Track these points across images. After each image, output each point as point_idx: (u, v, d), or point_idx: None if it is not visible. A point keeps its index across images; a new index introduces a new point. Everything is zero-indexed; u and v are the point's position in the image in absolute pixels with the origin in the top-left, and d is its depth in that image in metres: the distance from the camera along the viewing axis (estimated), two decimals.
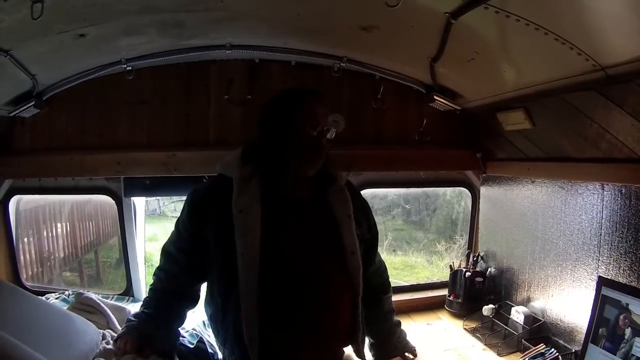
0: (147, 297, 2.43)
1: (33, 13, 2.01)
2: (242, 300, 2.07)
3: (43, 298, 3.07)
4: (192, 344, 2.65)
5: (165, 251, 2.44)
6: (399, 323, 2.65)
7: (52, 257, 6.28)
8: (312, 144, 2.19)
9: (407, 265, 9.11)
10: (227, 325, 2.20)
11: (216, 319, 2.27)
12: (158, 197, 11.59)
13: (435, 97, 3.44)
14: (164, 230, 11.66)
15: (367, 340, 2.53)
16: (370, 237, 2.51)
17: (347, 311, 2.22)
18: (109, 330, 2.50)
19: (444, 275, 4.29)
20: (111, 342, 2.30)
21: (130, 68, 3.33)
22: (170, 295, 2.38)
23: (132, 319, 2.34)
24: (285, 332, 2.14)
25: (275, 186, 2.25)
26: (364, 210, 2.52)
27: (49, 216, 6.33)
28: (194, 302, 2.44)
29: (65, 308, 2.76)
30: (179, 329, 2.53)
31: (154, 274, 2.45)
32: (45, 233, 6.25)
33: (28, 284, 3.93)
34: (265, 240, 2.09)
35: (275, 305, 2.11)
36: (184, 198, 2.46)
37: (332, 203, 2.29)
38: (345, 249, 2.21)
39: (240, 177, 2.21)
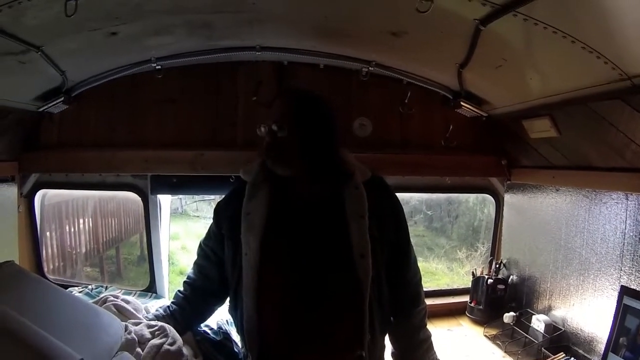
0: (179, 291, 2.55)
1: (67, 10, 2.04)
2: (243, 300, 2.12)
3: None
4: (216, 339, 2.68)
5: (199, 246, 2.52)
6: (427, 338, 2.45)
7: (74, 252, 6.35)
8: (264, 143, 2.14)
9: (428, 271, 9.06)
10: (237, 321, 2.26)
11: (233, 316, 2.32)
12: (181, 196, 11.66)
13: (462, 103, 3.44)
14: (186, 229, 11.75)
15: (391, 348, 2.47)
16: (396, 241, 2.31)
17: (350, 316, 2.12)
18: (130, 321, 2.53)
19: (464, 283, 4.30)
20: (133, 332, 2.33)
21: (159, 67, 3.37)
22: (199, 293, 2.48)
23: (163, 313, 2.49)
24: (282, 335, 2.14)
25: (285, 188, 2.23)
26: (391, 211, 2.34)
27: (72, 211, 6.40)
28: (220, 299, 2.50)
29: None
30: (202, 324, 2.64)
31: (192, 266, 2.56)
32: (67, 228, 6.32)
33: (50, 277, 4.00)
34: (265, 241, 2.10)
35: (272, 307, 2.12)
36: (207, 197, 2.52)
37: (345, 202, 2.18)
38: (353, 252, 2.08)
39: (253, 181, 2.23)
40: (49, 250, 4.86)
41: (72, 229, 6.59)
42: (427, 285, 2.63)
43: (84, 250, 6.90)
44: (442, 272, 9.25)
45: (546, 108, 2.84)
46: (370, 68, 3.46)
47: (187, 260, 9.57)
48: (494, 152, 3.82)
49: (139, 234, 8.59)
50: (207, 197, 12.70)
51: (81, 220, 6.81)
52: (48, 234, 4.67)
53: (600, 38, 2.01)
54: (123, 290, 3.47)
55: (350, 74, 3.61)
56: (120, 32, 2.62)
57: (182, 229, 11.90)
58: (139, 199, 3.82)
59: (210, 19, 2.71)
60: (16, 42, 2.33)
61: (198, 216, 13.76)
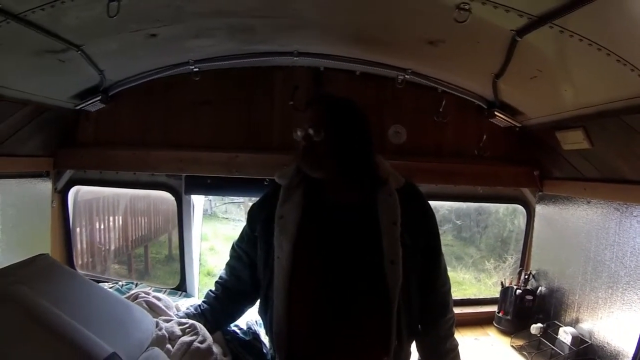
0: (211, 291, 2.59)
1: (109, 11, 2.11)
2: (274, 302, 2.15)
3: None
4: (245, 339, 2.71)
5: (232, 247, 2.55)
6: (454, 348, 2.43)
7: (104, 248, 6.45)
8: (300, 147, 2.16)
9: (455, 281, 8.84)
10: (266, 323, 2.29)
11: (262, 317, 2.34)
12: (210, 198, 11.73)
13: (496, 113, 3.44)
14: (214, 230, 11.80)
15: (417, 356, 2.46)
16: (427, 249, 2.29)
17: (378, 322, 2.12)
18: (161, 318, 2.56)
19: (491, 294, 4.30)
20: (163, 329, 2.36)
21: (197, 69, 3.44)
22: (230, 293, 2.52)
23: (194, 311, 2.54)
24: (310, 338, 2.16)
25: (319, 193, 2.25)
26: (422, 217, 2.32)
27: (103, 209, 6.54)
28: (251, 300, 2.53)
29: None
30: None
31: (224, 267, 2.60)
32: (98, 225, 6.44)
33: (80, 272, 4.05)
34: (297, 245, 2.12)
35: (302, 310, 2.14)
36: (237, 200, 2.53)
37: (378, 208, 2.17)
38: (384, 258, 2.09)
39: (287, 184, 2.25)
40: (79, 246, 4.95)
41: (102, 226, 6.72)
42: (454, 295, 2.65)
43: (113, 247, 7.00)
44: (469, 282, 9.16)
45: (580, 120, 2.84)
46: (406, 76, 3.49)
47: (215, 261, 9.64)
48: (527, 163, 3.81)
49: (168, 233, 8.71)
50: (236, 199, 12.76)
51: (111, 218, 6.95)
52: (78, 229, 4.76)
53: (635, 51, 2.02)
54: (153, 288, 3.54)
55: (386, 81, 3.62)
56: (160, 34, 2.68)
57: (211, 230, 11.94)
58: (172, 198, 3.91)
59: (252, 24, 2.75)
60: (57, 40, 2.40)
61: (227, 218, 13.87)
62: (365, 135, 2.23)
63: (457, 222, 9.59)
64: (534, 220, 4.03)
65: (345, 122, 2.17)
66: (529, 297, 3.74)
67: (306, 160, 2.16)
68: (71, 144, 3.65)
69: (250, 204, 2.61)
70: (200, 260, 4.29)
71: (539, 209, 3.94)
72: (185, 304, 2.78)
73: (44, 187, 3.60)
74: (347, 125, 2.17)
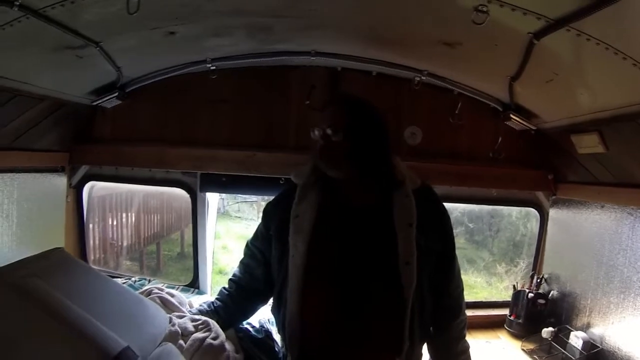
0: (224, 288, 2.61)
1: (129, 8, 2.11)
2: (287, 301, 2.16)
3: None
4: (258, 337, 2.72)
5: (246, 246, 2.58)
6: (466, 350, 2.44)
7: (116, 245, 6.48)
8: (317, 146, 2.17)
9: (466, 284, 8.55)
10: (279, 322, 2.30)
11: (275, 315, 2.36)
12: (223, 197, 11.78)
13: (511, 115, 3.42)
14: (227, 229, 11.80)
15: (428, 358, 2.47)
16: (442, 251, 2.30)
17: (391, 323, 2.14)
18: (174, 314, 2.57)
19: (502, 298, 4.28)
20: (176, 324, 2.37)
21: (214, 68, 3.45)
22: (243, 291, 2.54)
23: (207, 308, 2.56)
24: (323, 338, 2.17)
25: (335, 193, 2.26)
26: (438, 221, 2.33)
27: (116, 205, 6.60)
28: (264, 298, 2.55)
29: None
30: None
31: (238, 265, 2.61)
32: (110, 221, 6.48)
33: (94, 267, 4.06)
34: (312, 245, 2.13)
35: (315, 309, 2.14)
36: (249, 199, 2.54)
37: (394, 209, 2.18)
38: (399, 259, 2.10)
39: (303, 184, 2.26)
40: (91, 242, 4.98)
41: (115, 222, 6.77)
42: (466, 297, 2.62)
43: (125, 243, 7.04)
44: (480, 286, 9.10)
45: (595, 123, 2.82)
46: (422, 77, 3.48)
47: (227, 259, 9.63)
48: (541, 166, 3.79)
49: (180, 231, 8.73)
50: (249, 198, 12.79)
51: (124, 215, 6.98)
52: (91, 225, 4.80)
53: None
54: (166, 284, 3.55)
55: (402, 83, 3.62)
56: (179, 32, 2.70)
57: (224, 229, 11.92)
58: (185, 196, 3.93)
59: (271, 23, 2.76)
60: (76, 36, 2.42)
61: (240, 217, 13.85)
62: (383, 136, 2.25)
63: (470, 225, 9.55)
64: (547, 224, 4.01)
65: (364, 122, 2.18)
66: (541, 301, 3.72)
67: (324, 160, 2.17)
68: (87, 139, 3.68)
69: (264, 203, 2.62)
70: (212, 258, 4.31)
71: (553, 212, 3.92)
72: (198, 301, 2.80)
73: (59, 182, 3.63)
74: (366, 126, 2.18)
